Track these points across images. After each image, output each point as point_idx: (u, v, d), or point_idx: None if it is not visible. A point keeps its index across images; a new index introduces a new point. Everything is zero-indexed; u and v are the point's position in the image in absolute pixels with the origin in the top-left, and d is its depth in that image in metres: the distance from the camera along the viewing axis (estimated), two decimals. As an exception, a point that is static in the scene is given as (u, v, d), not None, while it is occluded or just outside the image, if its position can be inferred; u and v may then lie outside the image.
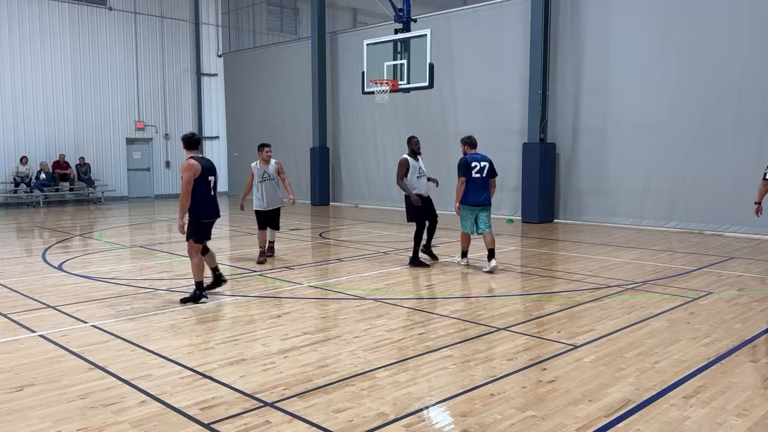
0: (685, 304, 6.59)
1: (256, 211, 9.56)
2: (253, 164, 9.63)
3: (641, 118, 13.01)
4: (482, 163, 8.52)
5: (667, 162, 12.74)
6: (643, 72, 12.96)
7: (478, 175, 8.45)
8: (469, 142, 8.74)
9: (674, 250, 10.30)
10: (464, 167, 8.47)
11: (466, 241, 8.88)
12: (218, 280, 7.06)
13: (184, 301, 6.71)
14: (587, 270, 8.68)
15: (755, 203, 7.95)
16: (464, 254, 8.98)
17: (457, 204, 8.59)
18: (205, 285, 6.84)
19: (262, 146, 9.59)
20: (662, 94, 12.73)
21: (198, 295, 6.74)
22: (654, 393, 4.12)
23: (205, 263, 6.88)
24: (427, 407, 3.94)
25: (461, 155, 8.70)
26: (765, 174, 7.72)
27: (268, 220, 9.54)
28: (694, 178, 12.38)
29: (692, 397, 4.05)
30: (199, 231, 6.72)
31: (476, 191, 8.47)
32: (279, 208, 9.66)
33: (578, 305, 6.66)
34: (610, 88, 13.49)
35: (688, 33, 12.31)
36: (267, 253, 9.52)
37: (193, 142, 6.78)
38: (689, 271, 8.43)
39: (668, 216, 12.85)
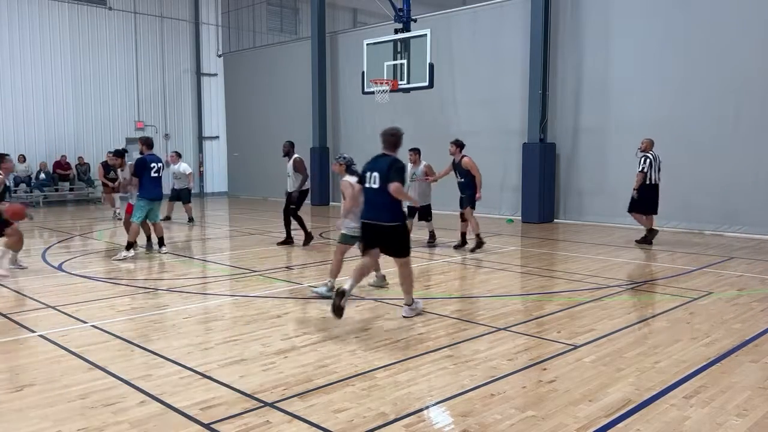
0: (685, 304, 6.58)
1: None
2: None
3: (641, 118, 12.99)
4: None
5: (667, 162, 12.70)
6: (643, 72, 12.96)
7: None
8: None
9: (674, 250, 10.30)
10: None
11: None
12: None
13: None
14: (587, 270, 8.68)
15: (634, 189, 10.61)
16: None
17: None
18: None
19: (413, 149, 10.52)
20: (662, 94, 12.73)
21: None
22: (654, 393, 4.12)
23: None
24: (427, 407, 3.94)
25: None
26: (643, 168, 10.44)
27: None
28: (694, 178, 12.37)
29: (692, 397, 4.05)
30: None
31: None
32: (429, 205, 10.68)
33: (578, 305, 6.66)
34: (610, 88, 13.49)
35: (688, 32, 12.32)
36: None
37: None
38: (689, 271, 8.42)
39: (668, 216, 12.83)
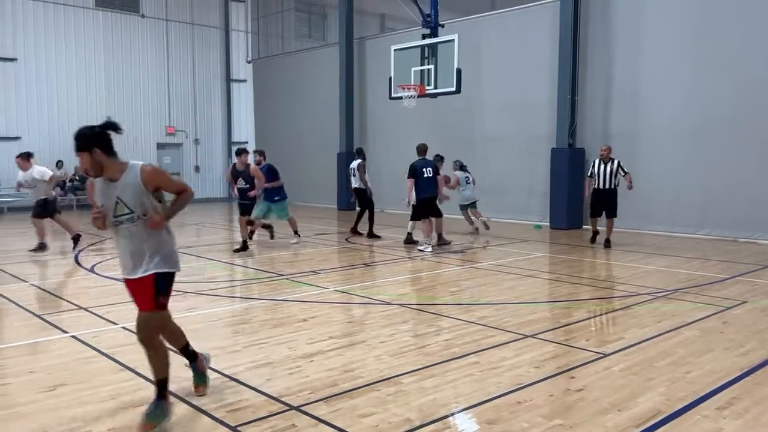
0: (718, 313, 6.44)
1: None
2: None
3: (673, 124, 12.78)
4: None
5: (700, 168, 12.50)
6: (674, 77, 12.74)
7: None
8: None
9: (707, 257, 10.09)
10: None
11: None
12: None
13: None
14: (617, 277, 8.55)
15: (585, 196, 11.51)
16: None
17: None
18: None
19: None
20: (694, 100, 12.49)
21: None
22: (685, 404, 4.04)
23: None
24: (452, 414, 3.91)
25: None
26: (591, 173, 11.10)
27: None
28: (727, 184, 12.11)
29: (725, 409, 3.96)
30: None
31: None
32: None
33: (608, 313, 6.56)
34: (641, 93, 13.29)
35: (721, 38, 12.07)
36: None
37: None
38: (722, 280, 8.24)
39: (701, 223, 12.60)
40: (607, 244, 11.12)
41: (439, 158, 11.69)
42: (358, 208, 12.98)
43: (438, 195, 10.92)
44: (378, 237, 12.41)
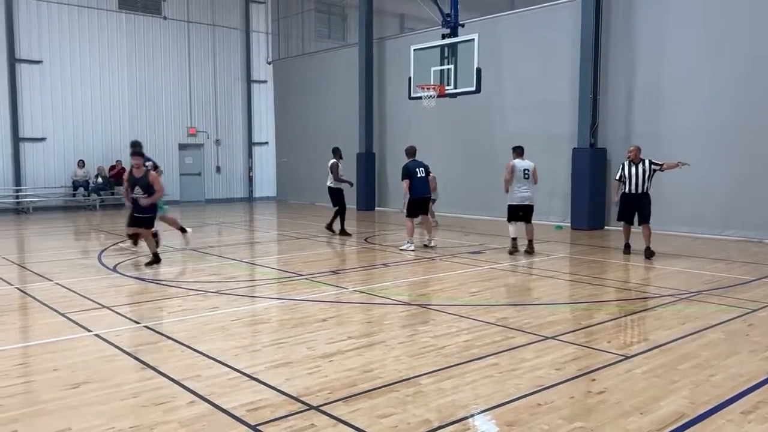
0: (743, 315, 6.33)
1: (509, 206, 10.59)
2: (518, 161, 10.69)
3: (697, 125, 12.58)
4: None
5: (725, 169, 12.29)
6: (698, 76, 12.55)
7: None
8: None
9: (731, 259, 9.92)
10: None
11: None
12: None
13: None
14: (639, 278, 8.44)
15: (615, 202, 10.39)
16: None
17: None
18: None
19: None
20: (718, 100, 12.29)
21: None
22: (709, 407, 3.97)
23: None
24: (472, 415, 3.90)
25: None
26: (620, 176, 10.13)
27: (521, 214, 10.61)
28: (753, 185, 11.90)
29: (751, 413, 3.89)
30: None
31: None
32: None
33: (630, 314, 6.48)
34: (664, 92, 13.11)
35: (745, 37, 11.87)
36: None
37: None
38: (748, 282, 8.10)
39: (725, 224, 12.39)
40: (649, 253, 9.86)
41: (521, 149, 10.95)
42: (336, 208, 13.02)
43: (430, 195, 11.21)
44: (333, 232, 12.89)
